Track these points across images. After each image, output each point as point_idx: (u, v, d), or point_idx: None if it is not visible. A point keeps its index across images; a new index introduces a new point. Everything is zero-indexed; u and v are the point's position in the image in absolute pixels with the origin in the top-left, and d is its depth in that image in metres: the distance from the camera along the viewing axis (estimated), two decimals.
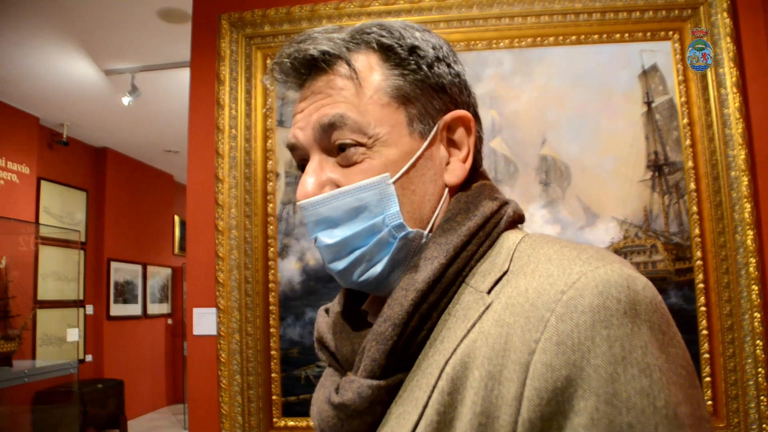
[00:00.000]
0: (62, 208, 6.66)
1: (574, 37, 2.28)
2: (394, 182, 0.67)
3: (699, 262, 2.14)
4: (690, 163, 2.18)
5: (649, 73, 2.24)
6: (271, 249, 2.33)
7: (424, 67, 0.69)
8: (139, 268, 8.00)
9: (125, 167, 7.79)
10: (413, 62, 0.69)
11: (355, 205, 0.66)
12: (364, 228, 0.66)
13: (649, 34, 2.25)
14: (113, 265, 7.40)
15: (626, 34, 2.26)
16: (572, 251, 0.59)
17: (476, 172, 0.74)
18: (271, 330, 2.30)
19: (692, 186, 2.17)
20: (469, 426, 0.54)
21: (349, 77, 0.68)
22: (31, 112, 5.92)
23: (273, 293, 2.31)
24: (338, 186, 0.67)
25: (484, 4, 2.31)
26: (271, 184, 2.36)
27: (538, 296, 0.55)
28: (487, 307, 0.60)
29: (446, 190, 0.71)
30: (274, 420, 2.28)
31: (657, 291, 0.56)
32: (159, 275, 8.58)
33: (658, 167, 2.20)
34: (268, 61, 2.42)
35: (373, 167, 0.67)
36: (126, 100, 5.07)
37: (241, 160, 2.37)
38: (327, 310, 0.80)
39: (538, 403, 0.51)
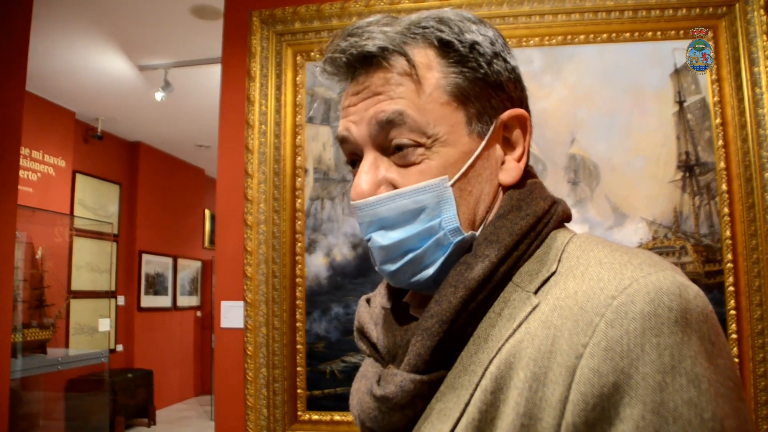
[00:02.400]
0: (96, 200, 6.79)
1: (605, 35, 2.25)
2: (452, 185, 0.65)
3: (729, 265, 2.11)
4: (722, 164, 2.15)
5: (681, 72, 2.20)
6: (299, 244, 2.36)
7: (484, 64, 0.67)
8: (169, 260, 8.12)
9: (157, 161, 7.91)
10: (473, 59, 0.67)
11: (412, 207, 0.65)
12: (420, 231, 0.65)
13: (682, 32, 2.22)
14: (144, 257, 7.52)
15: (658, 32, 2.23)
16: (623, 255, 0.58)
17: (525, 169, 0.72)
18: (297, 324, 2.32)
19: (724, 187, 2.14)
20: (512, 426, 0.54)
21: (407, 74, 0.65)
22: (67, 107, 6.04)
23: (300, 288, 2.34)
24: (394, 186, 0.66)
25: (515, 1, 2.30)
26: (299, 179, 2.38)
27: (587, 300, 0.55)
28: (534, 308, 0.59)
29: (500, 189, 0.70)
30: (299, 413, 2.30)
31: (708, 300, 0.55)
32: (189, 268, 8.70)
33: (689, 168, 2.17)
34: (299, 58, 2.45)
35: (431, 168, 0.65)
36: (159, 95, 5.15)
37: (270, 155, 2.39)
38: (368, 300, 0.79)
39: (583, 407, 0.51)
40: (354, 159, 0.71)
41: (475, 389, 0.57)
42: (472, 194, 0.67)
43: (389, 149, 0.66)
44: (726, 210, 2.13)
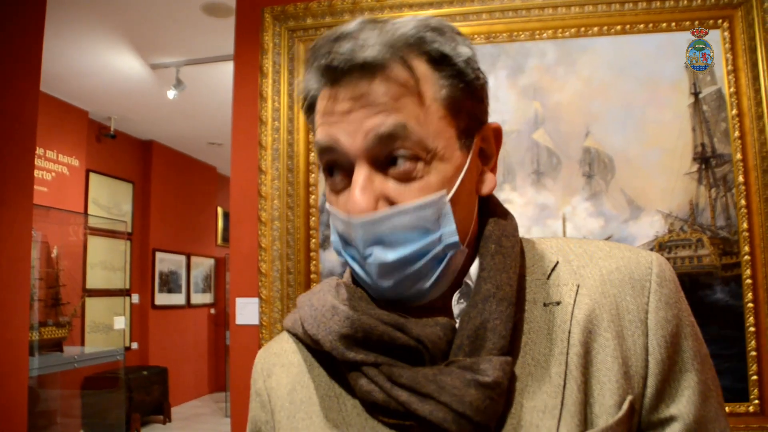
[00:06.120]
0: (110, 199, 6.84)
1: (619, 27, 2.24)
2: (450, 199, 0.65)
3: (747, 257, 2.09)
4: (738, 156, 2.13)
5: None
6: (313, 240, 2.36)
7: (473, 78, 0.67)
8: (183, 258, 8.17)
9: (170, 159, 7.95)
10: (466, 73, 0.67)
11: (414, 223, 0.64)
12: (421, 246, 0.64)
13: (697, 22, 2.20)
14: (158, 255, 7.57)
15: (673, 23, 2.21)
16: (608, 243, 0.76)
17: None
18: None
19: (740, 179, 2.12)
20: (618, 375, 0.65)
21: (408, 85, 0.63)
22: (80, 106, 6.09)
23: (314, 284, 2.34)
24: (390, 201, 0.64)
25: None
26: (313, 175, 2.38)
27: (632, 271, 0.70)
28: (578, 286, 0.70)
29: (477, 200, 0.73)
30: None
31: None
32: (202, 266, 8.74)
33: (705, 159, 2.15)
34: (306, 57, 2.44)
35: (430, 184, 0.64)
36: (171, 93, 5.18)
37: (283, 151, 2.40)
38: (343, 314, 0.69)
39: (665, 346, 0.67)
40: (332, 166, 0.67)
41: (567, 357, 0.65)
42: (463, 207, 0.68)
43: (383, 163, 0.64)
44: (743, 202, 2.11)
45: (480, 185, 0.72)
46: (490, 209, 0.75)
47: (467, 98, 0.67)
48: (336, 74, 0.64)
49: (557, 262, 0.73)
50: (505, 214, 0.75)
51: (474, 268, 0.70)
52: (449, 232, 0.65)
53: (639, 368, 0.67)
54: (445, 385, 0.60)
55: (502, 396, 0.62)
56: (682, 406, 0.67)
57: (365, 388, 0.65)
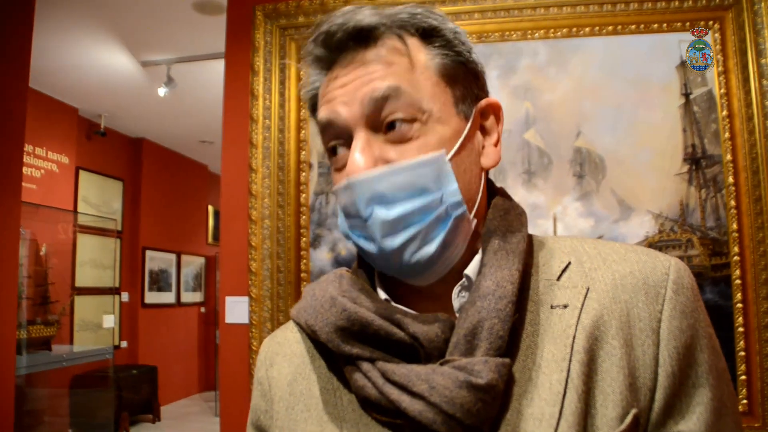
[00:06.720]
0: (99, 197, 6.80)
1: (610, 28, 2.24)
2: (450, 159, 0.66)
3: (736, 258, 2.10)
4: (729, 157, 2.13)
5: (687, 64, 2.19)
6: (304, 239, 2.35)
7: (465, 52, 0.70)
8: (173, 256, 8.14)
9: (161, 157, 7.92)
10: (456, 45, 0.69)
11: (414, 181, 0.64)
12: (422, 205, 0.64)
13: (688, 24, 2.20)
14: (148, 253, 7.54)
15: (664, 24, 2.21)
16: (625, 246, 0.72)
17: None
18: None
19: (731, 180, 2.12)
20: (623, 386, 0.62)
21: (399, 52, 0.67)
22: (70, 103, 6.05)
23: (305, 283, 2.33)
24: (390, 163, 0.65)
25: None
26: (304, 174, 2.38)
27: (646, 276, 0.67)
28: (587, 290, 0.67)
29: (482, 173, 0.72)
30: None
31: None
32: (193, 264, 8.71)
33: (696, 160, 2.16)
34: (303, 53, 2.43)
35: (428, 144, 0.65)
36: (162, 91, 5.15)
37: (274, 150, 2.39)
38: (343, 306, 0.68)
39: (677, 358, 0.64)
40: (335, 145, 0.69)
41: (569, 364, 0.62)
42: (466, 173, 0.68)
43: (381, 128, 0.66)
44: (733, 203, 2.12)
45: (483, 158, 0.72)
46: (500, 203, 0.73)
47: (460, 69, 0.69)
48: (332, 45, 0.68)
49: (569, 263, 0.70)
50: (514, 210, 0.73)
51: (475, 262, 0.69)
52: (451, 191, 0.65)
53: (647, 380, 0.64)
54: (437, 385, 0.59)
55: (497, 399, 0.60)
56: (692, 423, 0.64)
57: (359, 383, 0.64)
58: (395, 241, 0.65)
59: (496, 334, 0.61)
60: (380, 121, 0.66)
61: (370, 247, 0.67)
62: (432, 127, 0.66)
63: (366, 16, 0.66)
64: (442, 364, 0.61)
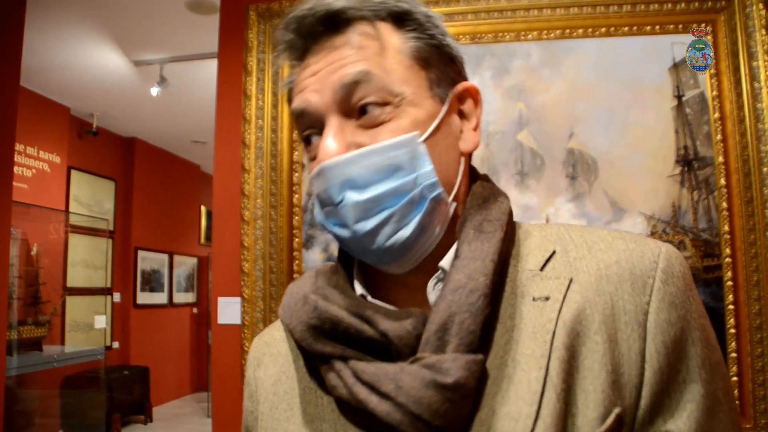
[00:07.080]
0: (91, 197, 6.77)
1: (603, 29, 2.25)
2: (424, 141, 0.65)
3: (728, 260, 2.10)
4: (721, 159, 2.14)
5: (680, 66, 2.20)
6: (296, 239, 2.35)
7: (438, 35, 0.68)
8: (165, 257, 8.11)
9: (153, 157, 7.89)
10: (429, 28, 0.68)
11: (387, 163, 0.63)
12: (396, 186, 0.63)
13: (681, 26, 2.21)
14: (140, 253, 7.51)
15: (657, 26, 2.22)
16: (614, 232, 0.68)
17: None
18: None
19: (722, 182, 2.13)
20: (605, 384, 0.59)
21: (370, 36, 0.66)
22: (62, 102, 6.02)
23: None
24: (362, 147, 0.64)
25: None
26: (296, 174, 2.37)
27: (633, 266, 0.63)
28: (570, 281, 0.64)
29: (461, 158, 0.70)
30: None
31: None
32: (185, 264, 8.68)
33: (688, 162, 2.17)
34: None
35: (401, 126, 0.64)
36: (154, 90, 5.14)
37: (267, 150, 2.38)
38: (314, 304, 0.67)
39: (665, 353, 0.61)
40: (309, 135, 0.68)
41: (548, 361, 0.59)
42: (442, 155, 0.67)
43: (353, 113, 0.65)
44: (724, 204, 2.13)
45: (462, 142, 0.70)
46: (479, 190, 0.70)
47: (434, 53, 0.68)
48: (303, 31, 0.67)
49: (554, 252, 0.67)
50: (495, 197, 0.70)
51: (451, 253, 0.67)
52: (425, 173, 0.64)
53: (633, 377, 0.60)
54: (404, 384, 0.57)
55: (467, 398, 0.58)
56: (682, 422, 0.61)
57: (332, 383, 0.63)
58: (368, 225, 0.63)
59: (467, 329, 0.59)
60: (352, 107, 0.64)
61: (344, 233, 0.65)
62: (405, 110, 0.64)
63: (336, 0, 0.65)
64: (412, 362, 0.59)
